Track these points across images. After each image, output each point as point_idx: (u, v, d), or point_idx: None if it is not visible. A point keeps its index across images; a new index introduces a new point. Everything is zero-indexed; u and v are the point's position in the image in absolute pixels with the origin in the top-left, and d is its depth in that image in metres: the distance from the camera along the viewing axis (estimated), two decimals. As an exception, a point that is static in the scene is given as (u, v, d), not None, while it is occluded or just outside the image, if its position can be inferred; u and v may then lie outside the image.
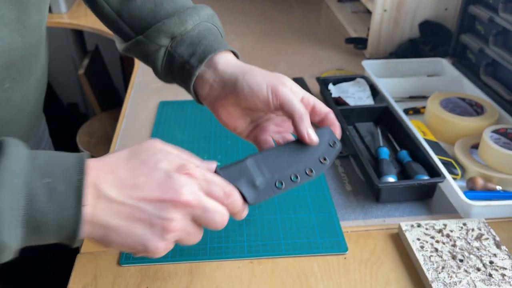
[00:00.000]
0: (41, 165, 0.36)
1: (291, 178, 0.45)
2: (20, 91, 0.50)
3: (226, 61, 0.51)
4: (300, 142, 0.47)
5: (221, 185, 0.41)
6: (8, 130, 0.53)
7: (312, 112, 0.50)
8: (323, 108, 0.50)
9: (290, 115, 0.46)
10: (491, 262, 0.56)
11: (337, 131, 0.49)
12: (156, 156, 0.40)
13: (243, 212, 0.43)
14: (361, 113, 0.85)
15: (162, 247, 0.39)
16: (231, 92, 0.49)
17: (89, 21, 1.41)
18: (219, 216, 0.41)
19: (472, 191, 0.69)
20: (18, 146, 0.36)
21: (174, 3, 0.55)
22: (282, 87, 0.46)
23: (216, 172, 0.43)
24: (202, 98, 0.54)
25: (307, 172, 0.45)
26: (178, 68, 0.53)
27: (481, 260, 0.56)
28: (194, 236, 0.41)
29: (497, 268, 0.55)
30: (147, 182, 0.38)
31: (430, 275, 0.54)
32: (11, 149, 0.35)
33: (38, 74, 0.55)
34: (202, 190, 0.40)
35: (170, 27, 0.52)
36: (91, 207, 0.37)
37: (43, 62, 0.55)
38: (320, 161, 0.46)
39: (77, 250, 0.61)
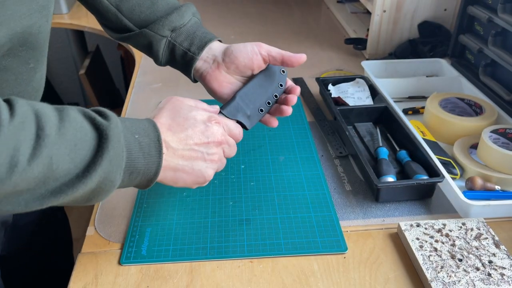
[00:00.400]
0: (129, 126, 0.47)
1: (266, 104, 0.63)
2: (39, 72, 0.57)
3: (216, 44, 0.65)
4: (259, 76, 0.64)
5: (236, 127, 0.58)
6: None
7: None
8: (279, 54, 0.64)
9: (279, 55, 0.62)
10: (490, 262, 0.56)
11: (294, 62, 0.63)
12: (191, 112, 0.53)
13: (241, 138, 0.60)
14: (361, 113, 0.86)
15: (212, 174, 0.54)
16: (223, 60, 0.63)
17: (90, 22, 1.42)
18: (235, 148, 0.57)
19: (471, 191, 0.69)
20: (112, 113, 0.47)
21: (166, 0, 0.66)
22: (262, 44, 0.63)
23: (220, 111, 0.59)
24: (195, 72, 0.66)
25: (274, 96, 0.63)
26: (179, 55, 0.65)
27: (480, 260, 0.57)
28: (224, 163, 0.57)
29: (496, 268, 0.55)
30: (194, 132, 0.52)
31: (429, 274, 0.55)
32: (111, 115, 0.46)
33: (47, 58, 0.60)
34: (226, 131, 0.56)
35: (172, 21, 0.64)
36: (164, 155, 0.50)
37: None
38: (279, 86, 0.64)
39: (77, 250, 0.62)
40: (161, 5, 0.65)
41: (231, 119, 0.59)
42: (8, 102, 0.39)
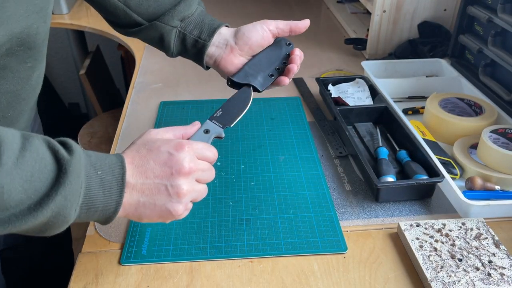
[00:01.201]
0: (94, 161, 0.46)
1: (275, 69, 0.66)
2: (37, 71, 0.57)
3: (225, 29, 0.67)
4: (267, 50, 0.68)
5: (209, 148, 0.54)
6: (24, 106, 0.59)
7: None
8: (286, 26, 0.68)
9: (287, 26, 0.66)
10: (490, 262, 0.56)
11: (301, 28, 0.68)
12: (156, 143, 0.50)
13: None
14: (361, 113, 0.86)
15: (181, 208, 0.50)
16: (236, 43, 0.65)
17: (90, 22, 1.42)
18: (212, 172, 0.54)
19: (471, 190, 0.69)
20: (78, 146, 0.45)
21: None
22: (267, 21, 0.66)
23: (230, 79, 0.64)
24: (209, 59, 0.67)
25: (283, 64, 0.67)
26: (191, 44, 0.67)
27: (480, 260, 0.57)
28: (203, 192, 0.53)
29: (496, 268, 0.56)
30: (155, 163, 0.49)
31: (429, 274, 0.55)
32: (75, 149, 0.44)
33: (46, 57, 0.61)
34: (197, 156, 0.51)
35: (180, 11, 0.66)
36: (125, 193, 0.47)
37: (47, 45, 0.62)
38: (287, 56, 0.68)
39: (77, 249, 0.62)
40: (167, 1, 0.66)
41: (242, 83, 0.63)
42: None
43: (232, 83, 0.66)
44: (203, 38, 0.66)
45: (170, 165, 0.49)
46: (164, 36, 0.66)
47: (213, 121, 0.59)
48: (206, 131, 0.58)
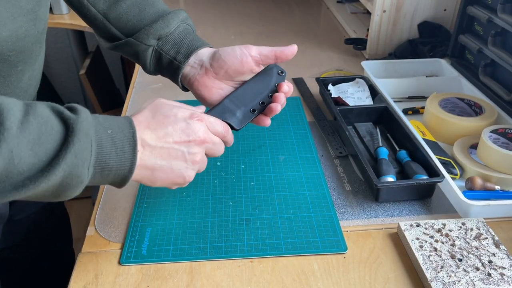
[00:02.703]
0: (102, 121, 0.46)
1: (260, 104, 0.60)
2: (28, 73, 0.57)
3: (204, 50, 0.63)
4: (255, 78, 0.61)
5: (221, 124, 0.55)
6: None
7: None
8: (271, 52, 0.61)
9: (271, 52, 0.60)
10: (490, 262, 0.56)
11: (288, 54, 0.61)
12: (172, 110, 0.51)
13: (232, 139, 0.57)
14: (361, 113, 0.86)
15: (193, 175, 0.52)
16: (211, 65, 0.61)
17: (90, 22, 1.42)
18: (221, 146, 0.55)
19: (471, 190, 0.69)
20: (84, 108, 0.45)
21: (155, 8, 0.64)
22: (250, 46, 0.60)
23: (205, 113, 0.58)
24: (183, 78, 0.64)
25: (269, 97, 0.60)
26: (166, 64, 0.63)
27: (480, 260, 0.57)
28: (205, 164, 0.54)
29: (496, 268, 0.56)
30: (174, 129, 0.50)
31: (429, 274, 0.55)
32: (81, 110, 0.44)
33: (41, 60, 0.61)
34: (209, 129, 0.53)
35: (157, 29, 0.62)
36: (140, 154, 0.48)
37: (44, 48, 0.61)
38: (276, 88, 0.61)
39: (77, 249, 0.62)
40: (149, 13, 0.63)
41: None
42: None
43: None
44: (178, 60, 0.62)
45: (188, 133, 0.50)
46: (139, 54, 0.63)
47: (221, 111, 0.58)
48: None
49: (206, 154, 0.54)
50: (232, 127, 0.58)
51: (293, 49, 0.60)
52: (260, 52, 0.60)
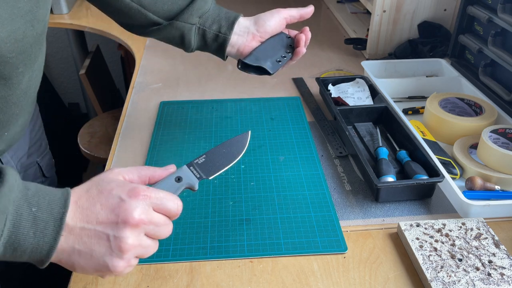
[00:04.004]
0: (31, 196, 0.41)
1: (282, 56, 0.71)
2: (27, 75, 0.57)
3: (242, 19, 0.71)
4: (273, 38, 0.73)
5: (174, 200, 0.46)
6: (15, 109, 0.59)
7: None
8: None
9: (298, 13, 0.73)
10: (490, 262, 0.56)
11: (308, 13, 0.73)
12: (110, 184, 0.44)
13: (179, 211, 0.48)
14: (361, 113, 0.86)
15: (122, 265, 0.43)
16: (257, 30, 0.70)
17: (90, 22, 1.42)
18: (167, 228, 0.46)
19: (471, 190, 0.69)
20: (14, 176, 0.41)
21: None
22: (281, 10, 0.72)
23: (241, 61, 0.69)
24: (231, 48, 0.70)
25: (287, 52, 0.72)
26: (211, 39, 0.69)
27: (480, 260, 0.57)
28: (151, 249, 0.45)
29: (496, 267, 0.56)
30: (103, 207, 0.43)
31: (429, 274, 0.55)
32: (9, 177, 0.40)
33: (41, 61, 0.61)
34: (155, 207, 0.45)
35: (199, 8, 0.67)
36: (63, 237, 0.41)
37: (44, 50, 0.61)
38: (289, 46, 0.73)
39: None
40: None
41: (254, 65, 0.68)
42: None
43: (243, 66, 0.69)
44: (223, 32, 0.68)
45: (118, 212, 0.42)
46: (184, 34, 0.68)
47: (191, 168, 0.52)
48: (178, 179, 0.50)
49: (149, 237, 0.45)
50: (266, 72, 0.68)
51: (311, 9, 0.73)
52: (290, 14, 0.71)
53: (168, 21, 0.67)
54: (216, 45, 0.70)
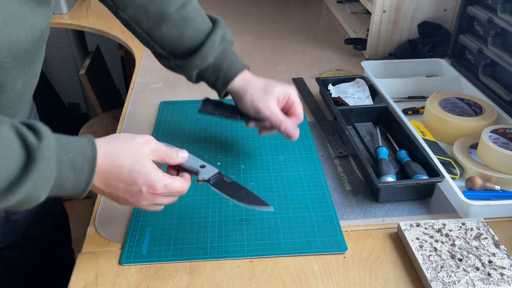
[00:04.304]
0: (65, 144, 0.48)
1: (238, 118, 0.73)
2: (21, 79, 0.58)
3: (239, 79, 0.70)
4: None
5: (182, 189, 0.55)
6: (10, 114, 0.60)
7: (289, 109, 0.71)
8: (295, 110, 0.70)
9: (284, 125, 0.68)
10: (490, 262, 0.56)
11: (300, 119, 0.70)
12: (140, 172, 0.52)
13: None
14: (361, 113, 0.86)
15: (145, 204, 0.54)
16: (241, 105, 0.71)
17: (90, 22, 1.42)
18: (172, 199, 0.57)
19: (471, 190, 0.69)
20: (47, 129, 0.47)
21: (194, 30, 0.69)
22: (264, 107, 0.68)
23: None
24: (230, 91, 0.72)
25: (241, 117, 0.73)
26: (209, 83, 0.72)
27: (480, 260, 0.57)
28: (163, 204, 0.56)
29: (496, 267, 0.56)
30: (124, 189, 0.52)
31: (429, 274, 0.55)
32: (44, 131, 0.46)
33: (37, 67, 0.61)
34: (165, 190, 0.54)
35: (197, 64, 0.68)
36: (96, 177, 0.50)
37: (42, 56, 0.62)
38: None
39: (77, 249, 0.62)
40: (187, 38, 0.68)
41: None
42: None
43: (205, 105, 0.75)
44: (218, 86, 0.71)
45: (133, 198, 0.53)
46: (185, 75, 0.72)
47: (217, 174, 0.59)
48: (202, 166, 0.59)
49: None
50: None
51: (296, 136, 0.68)
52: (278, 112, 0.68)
53: (171, 56, 0.70)
54: (214, 89, 0.72)
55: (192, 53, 0.68)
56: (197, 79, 0.72)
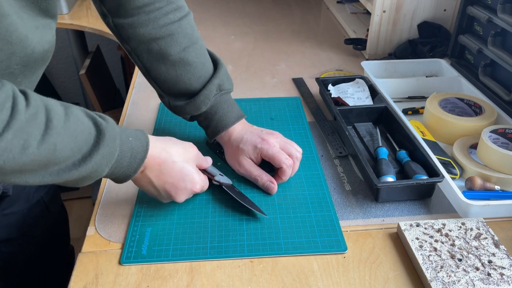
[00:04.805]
0: (125, 129, 0.56)
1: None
2: (24, 84, 0.59)
3: (228, 132, 0.73)
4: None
5: (203, 188, 0.66)
6: None
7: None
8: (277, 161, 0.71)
9: (265, 178, 0.71)
10: (489, 262, 0.56)
11: (283, 175, 0.70)
12: (189, 171, 0.62)
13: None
14: (360, 113, 0.86)
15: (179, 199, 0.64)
16: (227, 159, 0.75)
17: (90, 22, 1.42)
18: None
19: (470, 190, 0.69)
20: (106, 116, 0.54)
21: (192, 75, 0.70)
22: (237, 165, 0.72)
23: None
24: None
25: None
26: (202, 126, 0.75)
27: (480, 260, 0.57)
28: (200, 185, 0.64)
29: (496, 267, 0.56)
30: (172, 183, 0.61)
31: (429, 274, 0.55)
32: (108, 118, 0.53)
33: (40, 72, 0.62)
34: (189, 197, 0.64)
35: (189, 111, 0.72)
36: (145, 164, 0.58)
37: (47, 63, 0.63)
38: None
39: (77, 249, 0.62)
40: (185, 81, 0.70)
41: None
42: (24, 93, 0.46)
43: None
44: (209, 134, 0.74)
45: (175, 194, 0.62)
46: (177, 115, 0.75)
47: (227, 183, 0.69)
48: (221, 175, 0.69)
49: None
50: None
51: (273, 190, 0.70)
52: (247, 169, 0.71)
53: (165, 96, 0.73)
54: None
55: (187, 97, 0.71)
56: (191, 120, 0.75)
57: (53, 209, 0.91)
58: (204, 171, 0.68)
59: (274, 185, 0.69)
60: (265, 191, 0.70)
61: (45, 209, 0.86)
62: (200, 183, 0.63)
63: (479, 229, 0.61)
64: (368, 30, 1.16)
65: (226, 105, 0.72)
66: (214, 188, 0.70)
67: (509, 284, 0.54)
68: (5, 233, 0.78)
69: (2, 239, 0.78)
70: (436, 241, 0.59)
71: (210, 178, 0.68)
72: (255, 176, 0.70)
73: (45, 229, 0.87)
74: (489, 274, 0.55)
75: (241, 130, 0.72)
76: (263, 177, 0.70)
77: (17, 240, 0.80)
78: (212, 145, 0.79)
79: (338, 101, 0.91)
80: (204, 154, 0.78)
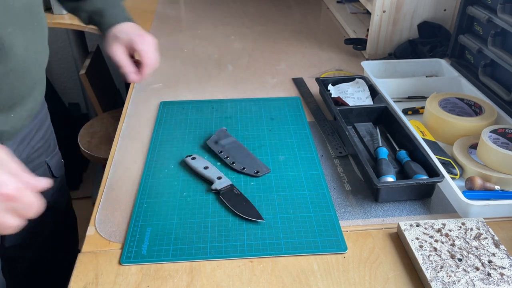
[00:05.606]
0: None
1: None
2: (21, 40, 0.60)
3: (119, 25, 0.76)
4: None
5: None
6: (20, 85, 0.64)
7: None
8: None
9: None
10: (489, 261, 0.56)
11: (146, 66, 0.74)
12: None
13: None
14: (360, 113, 0.86)
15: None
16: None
17: (90, 22, 1.42)
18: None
19: (470, 190, 0.69)
20: None
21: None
22: (110, 51, 0.77)
23: None
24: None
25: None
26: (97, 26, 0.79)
27: (480, 260, 0.57)
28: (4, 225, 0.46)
29: (496, 267, 0.56)
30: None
31: (429, 274, 0.55)
32: None
33: (38, 34, 0.65)
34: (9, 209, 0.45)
35: (85, 8, 0.76)
36: None
37: (42, 23, 0.66)
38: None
39: (78, 250, 0.62)
40: None
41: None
42: None
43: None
44: (102, 30, 0.78)
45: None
46: (77, 16, 0.80)
47: (229, 186, 0.70)
48: (219, 177, 0.71)
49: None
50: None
51: (137, 79, 0.75)
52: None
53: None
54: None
55: None
56: (88, 22, 0.78)
57: (62, 208, 0.91)
58: (200, 177, 0.69)
59: (138, 77, 0.74)
60: (126, 78, 0.75)
61: (53, 208, 0.86)
62: (10, 183, 0.44)
63: (479, 229, 0.61)
64: (368, 30, 1.16)
65: (118, 6, 0.78)
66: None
67: (509, 284, 0.54)
68: (16, 238, 0.78)
69: (13, 244, 0.78)
70: (436, 241, 0.59)
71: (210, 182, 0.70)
72: (120, 64, 0.75)
73: (53, 230, 0.87)
74: (489, 274, 0.55)
75: (126, 27, 0.77)
76: (128, 67, 0.75)
77: (25, 243, 0.81)
78: (212, 145, 0.79)
79: (338, 101, 0.91)
80: (204, 154, 0.78)
